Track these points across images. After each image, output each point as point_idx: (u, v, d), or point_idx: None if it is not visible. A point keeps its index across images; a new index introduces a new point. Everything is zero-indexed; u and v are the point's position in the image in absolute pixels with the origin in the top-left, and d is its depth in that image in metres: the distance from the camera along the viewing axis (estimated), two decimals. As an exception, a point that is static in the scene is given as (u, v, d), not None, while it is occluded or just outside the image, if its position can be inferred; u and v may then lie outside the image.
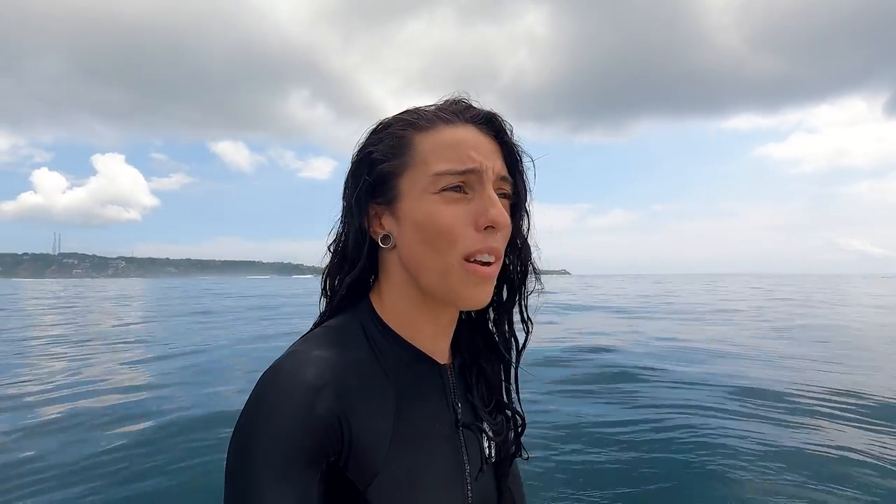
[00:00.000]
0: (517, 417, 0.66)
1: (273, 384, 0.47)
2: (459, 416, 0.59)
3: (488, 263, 0.53)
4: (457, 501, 0.56)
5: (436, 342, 0.59)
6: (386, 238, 0.56)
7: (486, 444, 0.62)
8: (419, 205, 0.53)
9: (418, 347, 0.58)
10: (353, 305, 0.59)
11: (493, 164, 0.54)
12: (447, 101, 0.58)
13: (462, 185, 0.52)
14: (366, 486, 0.49)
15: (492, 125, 0.56)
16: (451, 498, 0.55)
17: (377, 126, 0.59)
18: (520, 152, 0.58)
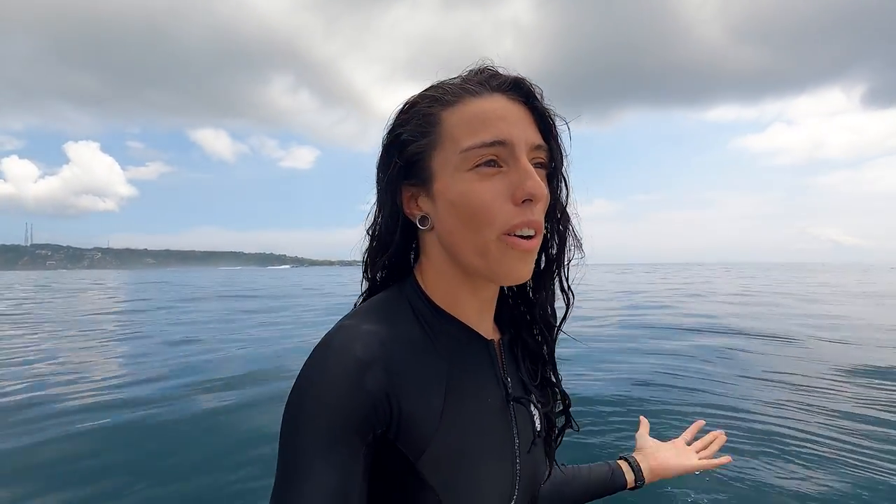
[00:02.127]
0: (562, 396, 0.68)
1: (323, 359, 0.48)
2: (510, 391, 0.60)
3: (529, 237, 0.52)
4: (506, 474, 0.57)
5: (480, 318, 0.59)
6: (424, 219, 0.56)
7: (536, 418, 0.63)
8: (452, 183, 0.52)
9: (466, 323, 0.58)
10: (396, 284, 0.60)
11: (525, 132, 0.52)
12: (472, 70, 0.56)
13: (495, 158, 0.51)
14: (417, 457, 0.49)
15: (520, 90, 0.54)
16: (500, 470, 0.56)
17: (404, 105, 0.57)
18: (552, 116, 0.56)
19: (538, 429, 0.62)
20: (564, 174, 0.58)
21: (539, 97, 0.55)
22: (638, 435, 0.93)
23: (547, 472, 0.66)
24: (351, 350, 0.48)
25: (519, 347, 0.65)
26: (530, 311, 0.65)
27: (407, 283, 0.59)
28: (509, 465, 0.57)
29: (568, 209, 0.60)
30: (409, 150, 0.54)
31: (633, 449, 0.92)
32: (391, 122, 0.58)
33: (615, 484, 0.83)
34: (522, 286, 0.65)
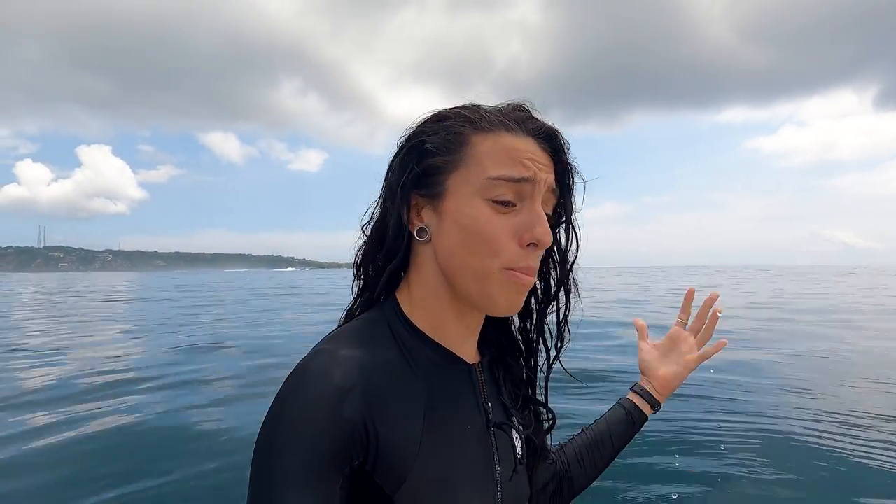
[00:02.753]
0: (547, 412, 0.67)
1: (299, 385, 0.47)
2: (490, 417, 0.58)
3: (524, 275, 0.53)
4: (487, 502, 0.55)
5: (463, 342, 0.59)
6: (422, 231, 0.55)
7: (517, 445, 0.62)
8: (466, 207, 0.52)
9: (446, 347, 0.57)
10: (380, 303, 0.59)
11: (546, 176, 0.53)
12: (509, 104, 0.57)
13: (513, 198, 0.52)
14: (394, 490, 0.47)
15: (551, 141, 0.55)
16: (481, 500, 0.55)
17: (433, 116, 0.57)
18: (573, 171, 0.57)
19: (519, 454, 0.61)
20: (574, 225, 0.59)
21: (566, 151, 0.56)
22: (640, 348, 0.85)
23: (528, 496, 0.64)
24: (329, 376, 0.47)
25: (500, 370, 0.64)
26: (513, 337, 0.66)
27: (387, 304, 0.58)
28: (491, 493, 0.56)
29: (576, 258, 0.60)
30: (429, 160, 0.54)
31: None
32: (415, 127, 0.57)
33: (635, 421, 0.80)
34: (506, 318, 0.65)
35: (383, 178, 0.59)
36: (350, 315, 0.62)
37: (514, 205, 0.52)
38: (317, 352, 0.51)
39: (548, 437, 0.70)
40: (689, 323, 0.85)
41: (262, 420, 0.47)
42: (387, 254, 0.57)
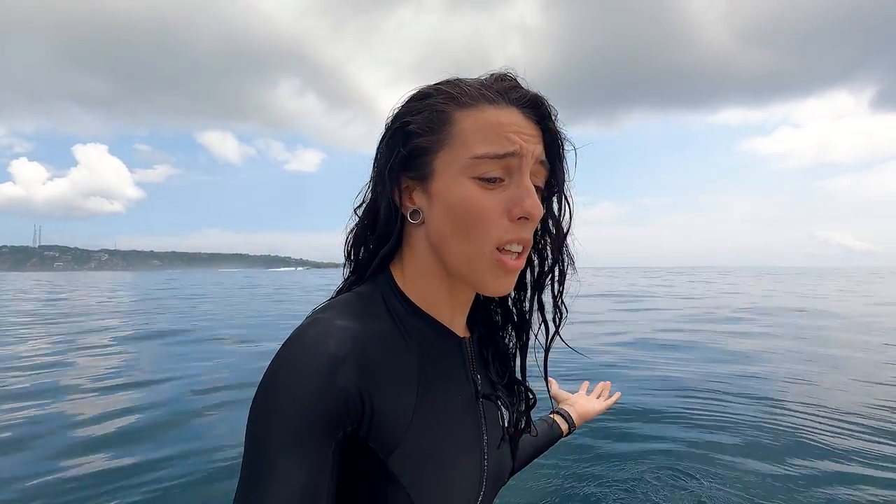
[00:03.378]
0: (528, 394, 0.68)
1: (295, 352, 0.47)
2: (479, 388, 0.60)
3: (517, 253, 0.54)
4: (474, 470, 0.58)
5: (454, 317, 0.60)
6: (415, 213, 0.55)
7: (503, 416, 0.64)
8: (454, 187, 0.52)
9: (438, 320, 0.58)
10: (374, 276, 0.59)
11: (533, 149, 0.53)
12: (493, 75, 0.56)
13: (500, 173, 0.52)
14: (387, 455, 0.49)
15: (537, 109, 0.54)
16: (469, 467, 0.57)
17: (416, 94, 0.56)
18: (562, 139, 0.56)
19: (506, 425, 0.64)
20: (567, 195, 0.59)
21: (554, 118, 0.55)
22: (553, 393, 1.00)
23: (511, 468, 0.67)
24: (324, 345, 0.47)
25: (490, 348, 0.66)
26: (506, 315, 0.67)
27: (381, 279, 0.58)
28: (478, 461, 0.58)
29: (569, 228, 0.60)
30: (414, 142, 0.54)
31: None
32: (399, 107, 0.57)
33: (554, 435, 0.92)
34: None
35: (373, 161, 0.59)
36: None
37: (501, 180, 0.52)
38: (312, 320, 0.51)
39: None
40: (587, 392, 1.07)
41: (257, 385, 0.48)
42: (379, 237, 0.58)
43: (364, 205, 0.60)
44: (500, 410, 0.64)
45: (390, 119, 0.57)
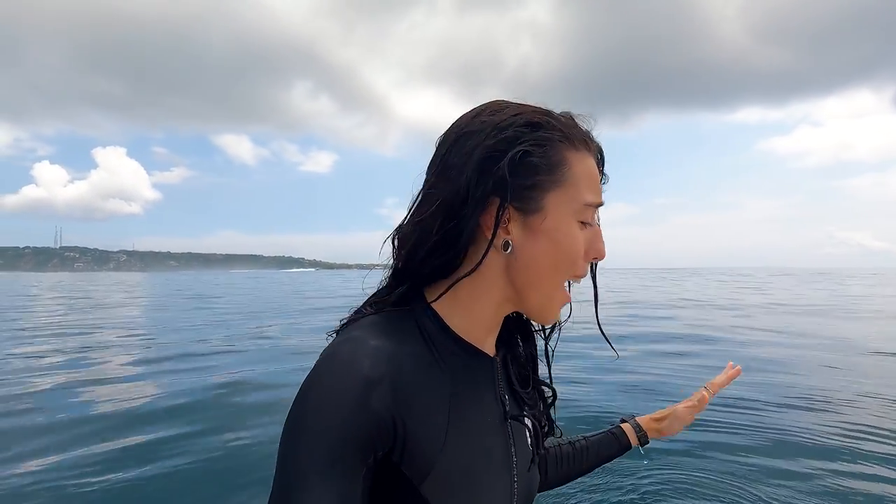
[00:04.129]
0: (550, 390, 0.69)
1: (329, 372, 0.47)
2: (507, 408, 0.60)
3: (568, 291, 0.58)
4: (505, 492, 0.57)
5: (487, 338, 0.60)
6: (506, 244, 0.54)
7: (529, 437, 0.64)
8: (565, 227, 0.53)
9: (472, 343, 0.58)
10: (409, 297, 0.57)
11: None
12: (576, 116, 0.57)
13: (590, 218, 0.56)
14: (421, 481, 0.48)
15: (601, 159, 0.59)
16: (500, 489, 0.56)
17: (527, 122, 0.53)
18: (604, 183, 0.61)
19: (534, 445, 0.64)
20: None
21: (604, 165, 0.59)
22: (678, 410, 0.92)
23: (538, 486, 0.66)
24: (359, 366, 0.47)
25: (510, 355, 0.65)
26: (523, 329, 0.67)
27: (414, 301, 0.57)
28: (508, 482, 0.58)
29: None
30: (535, 178, 0.52)
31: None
32: (509, 130, 0.52)
33: (620, 446, 0.88)
34: None
35: (439, 171, 0.54)
36: (379, 304, 0.58)
37: (588, 224, 0.56)
38: (346, 339, 0.51)
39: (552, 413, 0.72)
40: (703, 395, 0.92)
41: (291, 403, 0.48)
42: (454, 258, 0.55)
43: (425, 221, 0.54)
44: (528, 430, 0.63)
45: (496, 140, 0.52)
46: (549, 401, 0.69)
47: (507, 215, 0.53)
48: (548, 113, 0.55)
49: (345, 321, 0.57)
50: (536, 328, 0.67)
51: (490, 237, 0.53)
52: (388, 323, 0.54)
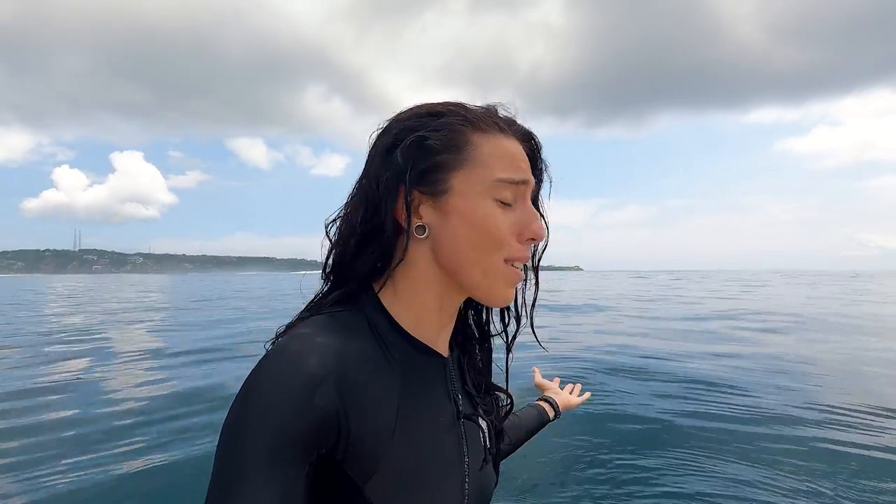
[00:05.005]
0: (507, 397, 0.70)
1: (273, 368, 0.46)
2: (460, 408, 0.60)
3: (520, 269, 0.57)
4: (455, 494, 0.56)
5: (438, 336, 0.60)
6: (421, 228, 0.55)
7: (484, 434, 0.63)
8: (477, 205, 0.54)
9: (423, 341, 0.57)
10: (357, 295, 0.57)
11: (532, 177, 0.57)
12: (491, 106, 0.59)
13: (512, 197, 0.55)
14: (364, 481, 0.48)
15: (529, 143, 0.60)
16: (449, 491, 0.55)
17: (424, 111, 0.56)
18: (546, 169, 0.62)
19: (488, 445, 0.63)
20: (545, 218, 0.61)
21: (540, 151, 0.62)
22: (537, 381, 1.12)
23: (494, 485, 0.65)
24: (304, 362, 0.46)
25: (466, 360, 0.66)
26: (478, 326, 0.68)
27: (364, 298, 0.57)
28: (459, 484, 0.57)
29: (545, 248, 0.63)
30: (434, 158, 0.54)
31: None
32: (411, 121, 0.55)
33: (543, 420, 0.99)
34: (466, 306, 0.67)
35: (364, 170, 0.57)
36: (317, 309, 0.57)
37: (509, 204, 0.55)
38: (293, 336, 0.50)
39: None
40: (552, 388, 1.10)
41: (233, 397, 0.46)
42: (384, 251, 0.56)
43: (349, 217, 0.57)
44: (482, 430, 0.63)
45: (398, 130, 0.55)
46: (507, 408, 0.71)
47: (417, 200, 0.55)
48: (455, 104, 0.57)
49: (284, 327, 0.55)
50: (496, 332, 0.68)
51: (406, 225, 0.54)
52: (337, 321, 0.53)
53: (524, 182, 0.56)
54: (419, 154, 0.54)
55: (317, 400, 0.45)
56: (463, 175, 0.54)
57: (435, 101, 0.58)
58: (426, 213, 0.56)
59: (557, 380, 1.16)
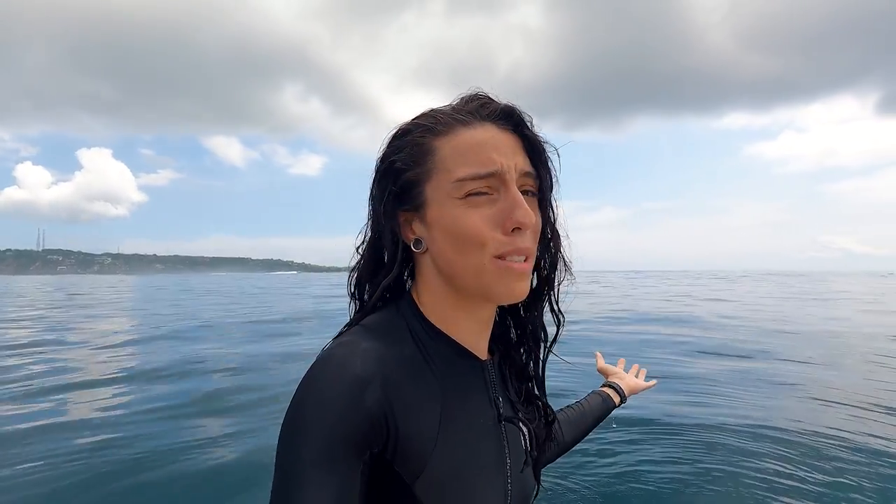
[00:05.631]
0: (546, 410, 0.69)
1: (323, 373, 0.49)
2: (501, 411, 0.61)
3: (521, 261, 0.54)
4: (498, 494, 0.58)
5: (477, 339, 0.60)
6: (417, 242, 0.57)
7: (525, 438, 0.64)
8: (445, 211, 0.53)
9: (461, 343, 0.59)
10: (392, 303, 0.60)
11: (514, 160, 0.54)
12: (463, 98, 0.58)
13: (487, 189, 0.53)
14: (413, 479, 0.50)
15: (510, 119, 0.56)
16: (493, 491, 0.57)
17: (397, 132, 0.59)
18: (542, 143, 0.57)
19: (528, 448, 0.64)
20: (553, 199, 0.59)
21: (529, 125, 0.57)
22: (600, 367, 1.11)
23: (535, 490, 0.66)
24: (350, 366, 0.49)
25: (507, 365, 0.67)
26: (521, 329, 0.67)
27: (403, 303, 0.60)
28: (501, 484, 0.58)
29: (559, 231, 0.61)
30: (403, 178, 0.56)
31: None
32: (384, 148, 0.59)
33: (608, 407, 0.98)
34: (515, 306, 0.65)
35: (368, 202, 0.61)
36: (358, 322, 0.60)
37: (490, 194, 0.53)
38: (338, 343, 0.53)
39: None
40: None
41: (287, 405, 0.49)
42: (387, 271, 0.59)
43: (365, 243, 0.62)
44: (522, 433, 0.64)
45: (378, 161, 0.60)
46: (549, 419, 0.70)
47: (407, 218, 0.58)
48: (425, 114, 0.58)
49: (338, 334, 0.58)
50: (526, 339, 0.66)
51: (406, 243, 0.59)
52: (379, 327, 0.56)
53: (493, 175, 0.53)
54: (391, 178, 0.57)
55: (366, 401, 0.48)
56: (432, 184, 0.55)
57: (411, 118, 0.59)
58: (418, 228, 0.58)
59: (622, 362, 1.14)
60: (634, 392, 1.06)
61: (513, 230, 0.53)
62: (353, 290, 0.63)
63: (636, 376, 1.11)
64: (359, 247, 0.63)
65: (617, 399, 1.02)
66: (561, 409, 0.92)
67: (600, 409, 0.98)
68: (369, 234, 0.62)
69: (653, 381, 1.12)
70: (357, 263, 0.63)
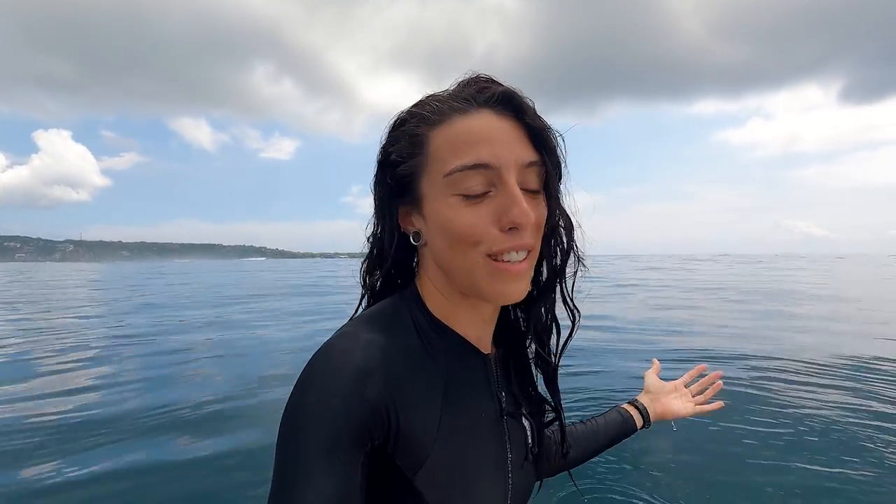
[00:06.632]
0: (548, 407, 0.68)
1: (324, 364, 0.48)
2: (503, 406, 0.60)
3: (518, 261, 0.52)
4: (499, 488, 0.58)
5: (480, 333, 0.60)
6: (417, 235, 0.57)
7: (528, 433, 0.63)
8: (440, 206, 0.52)
9: (463, 337, 0.58)
10: (398, 294, 0.60)
11: (513, 151, 0.51)
12: (461, 82, 0.55)
13: (483, 184, 0.50)
14: (414, 473, 0.49)
15: (510, 105, 0.52)
16: (494, 485, 0.57)
17: (395, 122, 0.57)
18: (546, 130, 0.53)
19: (530, 444, 0.63)
20: (560, 198, 0.56)
21: (530, 111, 0.53)
22: (647, 374, 0.98)
23: (538, 486, 0.65)
24: (352, 358, 0.48)
25: (511, 361, 0.65)
26: (526, 324, 0.65)
27: (408, 294, 0.59)
28: (503, 479, 0.58)
29: (572, 221, 0.58)
30: (399, 170, 0.54)
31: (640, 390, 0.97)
32: (383, 139, 0.57)
33: (627, 429, 0.89)
34: (523, 301, 0.60)
35: (372, 193, 0.60)
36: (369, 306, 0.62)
37: (487, 193, 0.51)
38: (340, 334, 0.52)
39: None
40: (690, 385, 0.98)
41: (288, 397, 0.48)
42: (384, 260, 0.60)
43: (373, 234, 0.62)
44: (525, 428, 0.64)
45: (378, 153, 0.58)
46: (551, 417, 0.69)
47: (406, 211, 0.58)
48: (424, 101, 0.55)
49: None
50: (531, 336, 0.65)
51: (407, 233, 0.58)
52: (382, 317, 0.55)
53: (485, 165, 0.50)
54: (388, 171, 0.56)
55: (367, 393, 0.47)
56: (427, 177, 0.54)
57: (412, 104, 0.57)
58: (417, 221, 0.57)
59: (680, 381, 0.99)
60: (667, 417, 0.93)
61: (509, 229, 0.51)
62: (363, 281, 0.64)
63: (695, 394, 0.96)
64: (368, 237, 0.62)
65: (639, 422, 0.91)
66: (573, 423, 0.88)
67: (617, 430, 0.89)
68: (375, 226, 0.61)
69: (717, 404, 0.95)
70: (366, 256, 0.63)
